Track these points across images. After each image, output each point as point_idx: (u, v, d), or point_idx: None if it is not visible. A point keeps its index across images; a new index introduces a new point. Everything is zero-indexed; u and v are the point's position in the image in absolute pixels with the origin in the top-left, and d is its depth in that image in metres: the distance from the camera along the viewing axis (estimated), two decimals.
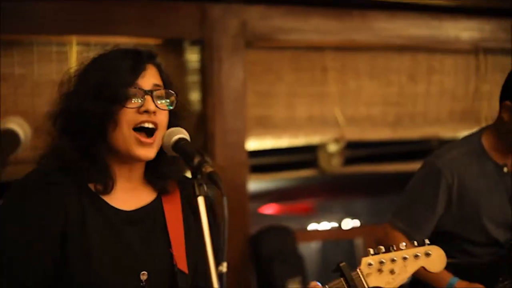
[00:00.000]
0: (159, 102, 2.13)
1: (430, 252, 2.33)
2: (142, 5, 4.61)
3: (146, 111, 2.08)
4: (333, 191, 8.10)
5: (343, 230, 8.28)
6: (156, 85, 2.14)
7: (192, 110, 4.82)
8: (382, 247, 2.27)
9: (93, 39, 4.59)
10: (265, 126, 5.05)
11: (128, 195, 2.18)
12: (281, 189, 7.00)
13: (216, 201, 4.50)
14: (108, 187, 2.12)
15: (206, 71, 4.74)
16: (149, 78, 2.14)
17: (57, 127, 2.13)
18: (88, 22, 4.53)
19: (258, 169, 5.11)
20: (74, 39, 4.51)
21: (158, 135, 2.11)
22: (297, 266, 4.55)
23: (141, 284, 2.10)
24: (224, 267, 1.75)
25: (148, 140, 2.09)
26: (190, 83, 4.85)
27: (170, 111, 2.17)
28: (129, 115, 2.08)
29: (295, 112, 5.15)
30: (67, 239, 2.04)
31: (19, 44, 4.47)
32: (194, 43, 4.79)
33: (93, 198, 2.11)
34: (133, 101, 2.09)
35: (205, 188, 1.84)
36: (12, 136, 1.62)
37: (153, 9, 4.61)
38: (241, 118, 4.73)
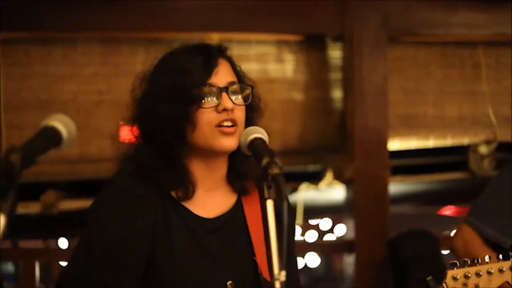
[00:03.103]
0: (234, 97, 2.04)
1: None
2: (283, 1, 4.54)
3: (225, 110, 2.01)
4: None
5: None
6: (231, 82, 2.06)
7: (335, 107, 4.72)
8: (467, 259, 2.14)
9: (235, 36, 4.58)
10: (411, 125, 4.84)
11: (209, 201, 2.11)
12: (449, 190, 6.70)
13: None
14: (190, 193, 2.06)
15: (347, 67, 4.60)
16: (223, 75, 2.06)
17: (134, 133, 2.09)
18: (230, 19, 4.53)
19: (402, 170, 4.90)
20: (216, 36, 4.51)
21: (237, 131, 2.04)
22: (437, 273, 4.30)
23: None
24: (282, 276, 1.64)
25: (231, 129, 2.02)
26: (333, 80, 4.73)
27: (246, 106, 2.09)
28: (207, 115, 2.02)
29: (444, 111, 4.91)
30: (155, 250, 2.01)
31: (162, 42, 4.53)
32: (335, 38, 4.67)
33: (176, 206, 2.06)
34: (209, 100, 2.02)
35: (274, 191, 1.74)
36: (50, 134, 1.57)
37: (293, 4, 4.54)
38: (383, 116, 4.55)
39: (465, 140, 4.95)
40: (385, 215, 4.53)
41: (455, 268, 2.14)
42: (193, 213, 2.07)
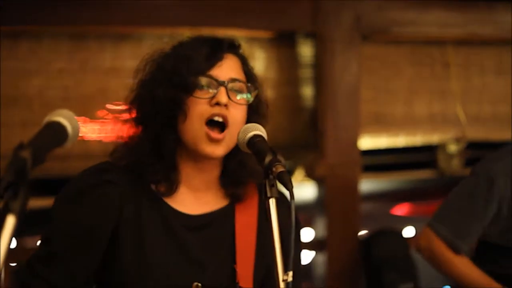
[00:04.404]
0: (236, 96, 1.98)
1: None
2: None
3: (218, 104, 1.94)
4: None
5: None
6: (233, 78, 1.99)
7: (305, 105, 4.70)
8: None
9: (205, 31, 4.51)
10: (381, 123, 4.85)
11: (195, 199, 2.05)
12: (412, 189, 6.75)
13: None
14: (171, 189, 2.00)
15: (318, 65, 4.57)
16: (226, 69, 1.99)
17: (131, 116, 2.04)
18: (200, 15, 4.47)
19: (372, 169, 4.90)
20: (186, 31, 4.44)
21: (229, 133, 1.97)
22: (408, 273, 4.32)
23: None
24: (289, 277, 1.60)
25: (218, 136, 1.95)
26: (303, 78, 4.70)
27: (250, 108, 2.02)
28: (199, 107, 1.95)
29: (413, 109, 4.92)
30: (119, 241, 1.95)
31: (131, 37, 4.46)
32: (307, 36, 4.64)
33: (154, 199, 2.00)
34: (204, 91, 1.96)
35: (277, 189, 1.70)
36: (56, 130, 1.52)
37: (265, 1, 4.50)
38: (354, 115, 4.54)
39: (434, 139, 4.97)
40: (356, 213, 4.52)
41: None
42: (173, 209, 2.02)
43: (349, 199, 4.51)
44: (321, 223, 4.56)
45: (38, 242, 2.04)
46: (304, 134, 4.67)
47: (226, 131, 1.97)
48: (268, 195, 1.70)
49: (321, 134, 4.52)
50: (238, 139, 1.92)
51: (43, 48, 4.37)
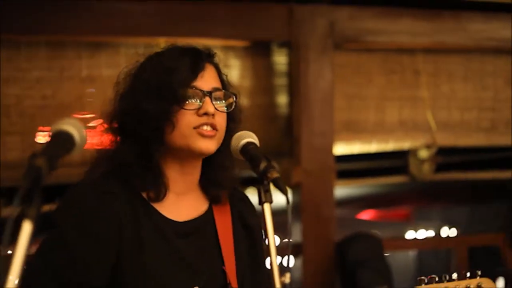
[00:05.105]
0: (218, 104, 2.02)
1: (481, 285, 2.17)
2: (230, 6, 4.57)
3: (205, 113, 1.99)
4: (430, 198, 7.88)
5: (439, 238, 8.04)
6: (216, 88, 2.03)
7: (280, 113, 4.77)
8: (435, 276, 2.14)
9: (181, 40, 4.55)
10: (354, 130, 4.94)
11: (181, 204, 2.08)
12: (378, 195, 6.84)
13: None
14: (161, 195, 2.02)
15: (293, 73, 4.66)
16: (208, 79, 2.03)
17: (112, 129, 2.04)
18: (176, 24, 4.52)
19: (346, 175, 4.99)
20: (162, 40, 4.48)
21: (218, 134, 2.02)
22: (383, 275, 4.41)
23: None
24: (287, 278, 1.67)
25: (211, 132, 1.99)
26: (278, 86, 4.78)
27: (227, 114, 2.07)
28: (187, 117, 1.99)
29: (385, 116, 5.02)
30: (123, 250, 1.96)
31: (107, 46, 4.50)
32: (281, 45, 4.72)
33: (146, 207, 2.02)
34: (191, 102, 1.99)
35: (271, 194, 1.76)
36: (64, 138, 1.57)
37: (240, 11, 4.57)
38: (328, 122, 4.63)
39: (405, 145, 5.07)
40: (331, 218, 4.60)
41: (422, 285, 2.09)
42: (163, 215, 2.04)
43: (324, 204, 4.58)
44: (296, 228, 4.63)
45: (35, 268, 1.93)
46: (279, 141, 4.74)
47: (216, 132, 2.02)
48: (263, 200, 1.76)
49: (296, 141, 4.60)
50: (231, 146, 1.97)
51: (20, 57, 4.38)
